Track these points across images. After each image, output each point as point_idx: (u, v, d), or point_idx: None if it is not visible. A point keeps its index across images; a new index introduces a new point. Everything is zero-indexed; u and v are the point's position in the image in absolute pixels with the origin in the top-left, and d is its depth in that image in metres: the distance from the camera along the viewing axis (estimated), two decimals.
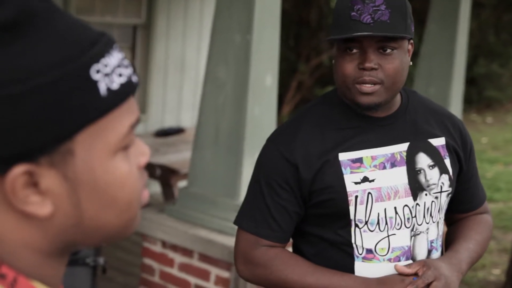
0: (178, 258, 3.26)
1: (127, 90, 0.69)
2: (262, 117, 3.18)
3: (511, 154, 8.93)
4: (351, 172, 1.57)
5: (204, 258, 3.16)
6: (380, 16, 1.49)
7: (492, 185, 7.31)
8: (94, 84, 0.66)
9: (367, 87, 1.52)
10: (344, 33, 1.51)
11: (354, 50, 1.53)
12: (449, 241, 1.74)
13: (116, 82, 0.68)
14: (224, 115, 3.19)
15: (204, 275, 3.17)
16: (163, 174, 4.42)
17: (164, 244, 3.30)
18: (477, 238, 1.72)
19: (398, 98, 1.66)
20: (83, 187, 0.68)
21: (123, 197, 0.70)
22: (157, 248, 3.33)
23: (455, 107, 4.90)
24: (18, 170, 0.64)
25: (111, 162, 0.69)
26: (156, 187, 5.31)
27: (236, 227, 1.67)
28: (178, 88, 6.20)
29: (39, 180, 0.66)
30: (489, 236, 1.78)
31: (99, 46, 0.67)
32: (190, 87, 6.19)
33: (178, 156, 4.71)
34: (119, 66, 0.69)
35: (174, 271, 3.28)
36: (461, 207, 1.78)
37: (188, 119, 6.13)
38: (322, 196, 1.57)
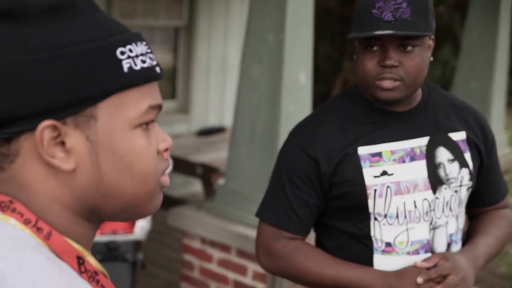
0: (217, 254, 3.32)
1: (148, 74, 0.80)
2: (296, 114, 3.21)
3: None
4: (370, 166, 1.59)
5: (241, 253, 3.22)
6: (401, 14, 1.50)
7: None
8: (119, 61, 0.77)
9: (388, 83, 1.54)
10: (366, 30, 1.52)
11: (375, 48, 1.54)
12: (469, 235, 1.75)
13: (138, 65, 0.79)
14: (259, 113, 3.24)
15: (242, 271, 3.23)
16: (204, 173, 4.50)
17: (203, 240, 3.37)
18: (497, 233, 1.72)
19: (419, 92, 1.67)
20: (103, 150, 0.78)
21: (139, 168, 0.79)
22: (197, 244, 3.40)
23: (498, 102, 4.82)
24: (46, 123, 0.75)
25: (130, 134, 0.79)
26: (197, 186, 5.40)
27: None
28: (221, 88, 6.28)
29: (66, 139, 0.76)
30: (510, 231, 1.77)
31: (127, 35, 0.80)
32: (232, 86, 6.26)
33: (219, 154, 4.78)
34: (142, 55, 0.80)
35: (213, 267, 3.35)
36: (482, 201, 1.78)
37: (230, 118, 6.20)
38: (342, 189, 1.60)
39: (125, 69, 0.77)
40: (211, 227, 3.31)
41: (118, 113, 0.78)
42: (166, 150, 0.84)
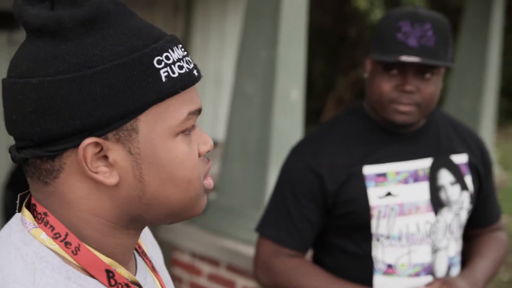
0: (206, 269, 3.33)
1: (187, 80, 0.79)
2: (288, 130, 3.23)
3: None
4: (375, 186, 1.58)
5: (231, 268, 3.22)
6: (426, 41, 1.50)
7: None
8: (156, 71, 0.77)
9: (404, 107, 1.54)
10: (389, 54, 1.51)
11: (394, 71, 1.54)
12: (465, 258, 1.74)
13: (176, 72, 0.78)
14: (251, 128, 3.26)
15: (231, 286, 3.23)
16: None
17: (193, 254, 3.37)
18: (493, 256, 1.72)
19: None
20: (146, 162, 0.78)
21: (182, 175, 0.80)
22: (186, 258, 3.40)
23: (487, 121, 4.86)
24: (88, 141, 0.76)
25: (171, 142, 0.79)
26: None
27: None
28: (214, 102, 6.31)
29: (108, 154, 0.77)
30: (504, 254, 1.78)
31: (162, 42, 0.79)
32: (226, 101, 6.28)
33: (211, 169, 4.79)
34: (179, 60, 0.79)
35: (203, 281, 3.35)
36: (477, 223, 1.78)
37: (223, 132, 6.22)
38: (345, 208, 1.59)
39: (163, 78, 0.77)
40: (201, 241, 3.32)
41: (159, 123, 0.78)
42: (207, 151, 0.84)
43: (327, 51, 11.03)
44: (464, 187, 1.66)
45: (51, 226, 0.78)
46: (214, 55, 6.24)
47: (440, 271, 1.62)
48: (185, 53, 0.81)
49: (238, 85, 3.32)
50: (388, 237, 1.58)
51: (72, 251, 0.78)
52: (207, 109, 6.26)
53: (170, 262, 3.57)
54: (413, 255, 1.59)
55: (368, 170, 1.59)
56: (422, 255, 1.60)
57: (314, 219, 1.62)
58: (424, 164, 1.63)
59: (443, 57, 1.53)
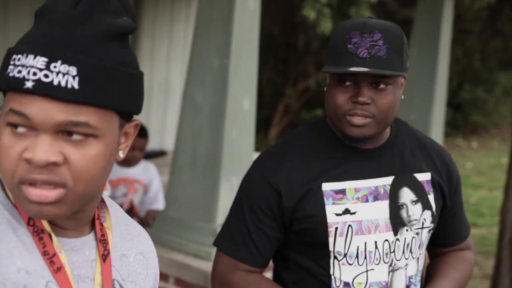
0: None
1: (12, 83, 0.87)
2: (239, 141, 3.17)
3: (495, 180, 8.97)
4: (333, 203, 1.55)
5: (179, 282, 3.13)
6: (377, 51, 1.48)
7: (475, 211, 7.32)
8: (7, 65, 0.90)
9: (358, 120, 1.51)
10: (340, 65, 1.49)
11: (348, 83, 1.52)
12: (428, 277, 1.72)
13: (13, 74, 0.88)
14: (201, 139, 3.19)
15: None
16: None
17: None
18: (456, 276, 1.69)
19: (387, 129, 1.64)
20: None
21: None
22: None
23: (436, 133, 4.91)
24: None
25: (2, 128, 0.90)
26: None
27: (212, 251, 1.65)
28: (162, 111, 6.20)
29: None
30: (469, 274, 1.75)
31: (24, 46, 0.90)
32: (174, 110, 6.18)
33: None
34: (25, 66, 0.87)
35: None
36: (444, 242, 1.76)
37: (171, 142, 6.11)
38: (303, 224, 1.56)
39: (5, 72, 0.89)
40: None
41: (4, 108, 0.90)
42: (27, 161, 0.88)
43: (276, 59, 11.05)
44: (426, 206, 1.63)
45: None
46: (162, 63, 6.13)
47: None
48: (42, 66, 0.87)
49: (188, 94, 3.25)
50: (345, 255, 1.56)
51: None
52: (155, 119, 6.15)
53: None
54: (370, 274, 1.57)
55: (326, 187, 1.57)
56: (380, 274, 1.57)
57: (272, 235, 1.59)
58: (385, 181, 1.61)
59: (397, 67, 1.50)
